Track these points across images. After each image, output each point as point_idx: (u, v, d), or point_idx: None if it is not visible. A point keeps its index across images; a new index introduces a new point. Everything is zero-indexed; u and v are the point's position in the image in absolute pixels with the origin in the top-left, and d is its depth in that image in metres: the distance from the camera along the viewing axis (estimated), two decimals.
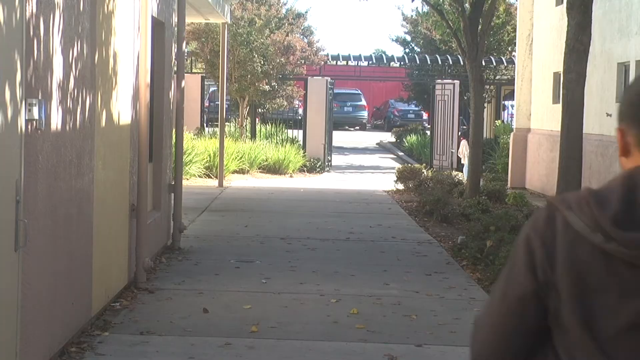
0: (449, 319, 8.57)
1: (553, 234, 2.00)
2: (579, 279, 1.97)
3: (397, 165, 25.08)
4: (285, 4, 32.95)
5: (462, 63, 27.18)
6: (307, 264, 11.17)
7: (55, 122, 6.48)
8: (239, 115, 29.51)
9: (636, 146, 1.99)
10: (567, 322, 2.00)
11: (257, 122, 30.32)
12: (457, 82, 28.45)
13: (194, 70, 31.57)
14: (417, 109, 46.62)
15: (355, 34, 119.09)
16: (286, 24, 30.50)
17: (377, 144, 42.19)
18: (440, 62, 32.34)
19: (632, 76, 15.86)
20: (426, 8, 30.25)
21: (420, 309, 8.92)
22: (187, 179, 20.62)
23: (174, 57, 12.09)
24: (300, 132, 28.57)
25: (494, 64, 31.61)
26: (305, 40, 33.08)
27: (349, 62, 35.38)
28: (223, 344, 7.38)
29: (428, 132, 32.20)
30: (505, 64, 31.75)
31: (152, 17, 10.03)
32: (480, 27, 18.87)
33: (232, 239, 12.92)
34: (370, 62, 35.92)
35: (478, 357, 2.15)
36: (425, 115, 44.74)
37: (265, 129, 29.31)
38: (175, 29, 12.18)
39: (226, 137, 23.48)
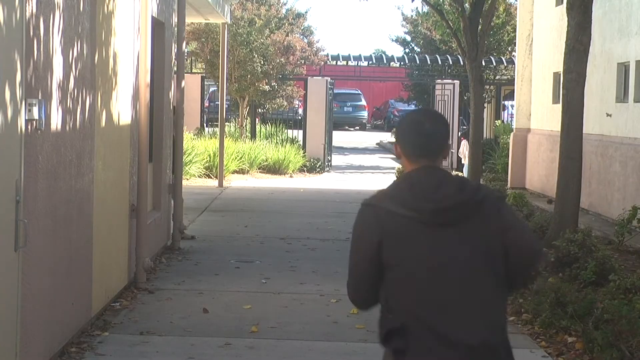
0: None
1: (377, 215, 3.48)
2: (395, 236, 3.44)
3: (397, 166, 25.09)
4: (285, 4, 32.95)
5: (462, 63, 27.17)
6: (307, 264, 11.17)
7: (55, 122, 6.48)
8: (239, 115, 29.51)
9: (402, 155, 3.60)
10: (391, 263, 3.44)
11: (257, 122, 30.31)
12: (457, 82, 28.44)
13: (194, 70, 31.57)
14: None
15: (355, 34, 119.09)
16: (286, 24, 30.49)
17: (377, 144, 42.19)
18: (440, 62, 32.34)
19: (632, 76, 15.86)
20: (426, 8, 30.26)
21: None
22: (187, 179, 20.61)
23: (174, 57, 12.09)
24: (300, 132, 28.55)
25: (494, 64, 31.60)
26: (305, 40, 33.07)
27: (349, 62, 35.38)
28: (223, 344, 7.38)
29: None
30: (505, 64, 31.75)
31: (152, 17, 10.03)
32: (480, 27, 18.87)
33: (232, 239, 12.92)
34: (370, 62, 35.91)
35: (352, 297, 3.64)
36: None
37: (265, 129, 29.30)
38: (175, 29, 12.18)
39: (226, 137, 23.48)
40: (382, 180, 24.35)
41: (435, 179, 3.50)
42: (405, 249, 3.45)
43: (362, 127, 50.69)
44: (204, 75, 29.86)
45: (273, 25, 29.08)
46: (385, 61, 35.58)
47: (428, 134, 3.55)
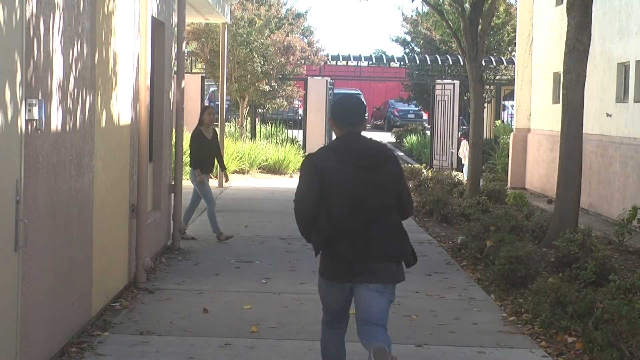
0: (449, 319, 8.57)
1: (318, 161, 5.40)
2: (331, 173, 5.35)
3: None
4: (285, 4, 32.98)
5: (462, 63, 27.18)
6: (307, 264, 11.16)
7: (55, 122, 6.47)
8: (239, 115, 29.52)
9: (334, 125, 5.57)
10: (329, 193, 5.35)
11: (257, 122, 30.32)
12: (457, 82, 28.44)
13: (194, 71, 31.58)
14: (417, 109, 46.62)
15: (355, 34, 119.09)
16: (286, 24, 30.52)
17: None
18: (440, 62, 32.33)
19: (632, 76, 15.86)
20: (426, 8, 30.25)
21: (420, 309, 8.92)
22: (187, 179, 20.61)
23: (174, 57, 12.09)
24: (300, 132, 28.55)
25: (494, 64, 31.60)
26: (305, 40, 33.09)
27: (349, 62, 35.39)
28: (223, 344, 7.38)
29: (428, 132, 32.20)
30: (505, 64, 31.75)
31: (152, 17, 10.03)
32: (480, 27, 18.87)
33: (232, 239, 12.92)
34: (370, 62, 35.92)
35: (297, 212, 5.47)
36: (425, 116, 44.75)
37: (265, 129, 29.31)
38: (175, 29, 12.18)
39: (226, 137, 23.48)
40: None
41: (358, 139, 5.57)
42: (337, 182, 5.42)
43: None
44: (204, 75, 29.87)
45: (273, 25, 29.09)
46: (385, 61, 35.58)
47: (350, 110, 5.64)
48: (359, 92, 50.80)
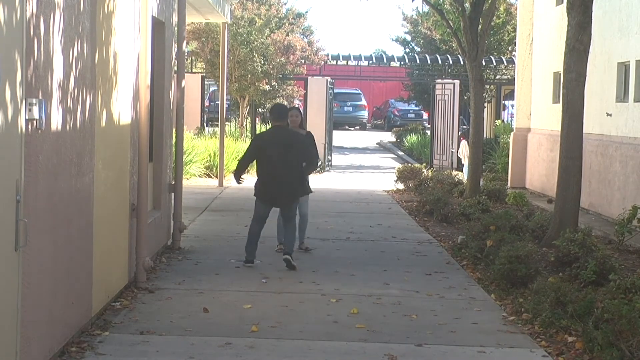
0: (449, 318, 8.57)
1: (258, 140, 11.61)
2: (263, 146, 11.10)
3: (397, 165, 25.08)
4: (285, 4, 32.96)
5: (462, 63, 27.18)
6: (307, 264, 11.17)
7: (56, 121, 6.48)
8: (239, 114, 29.51)
9: (270, 120, 11.67)
10: (260, 156, 11.16)
11: (257, 121, 30.31)
12: (457, 81, 28.44)
13: (194, 70, 31.56)
14: (417, 108, 46.60)
15: (355, 34, 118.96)
16: (286, 24, 30.51)
17: (377, 143, 42.18)
18: (440, 62, 32.32)
19: (632, 76, 15.86)
20: (426, 8, 30.25)
21: (420, 309, 8.92)
22: (188, 179, 20.62)
23: (174, 56, 12.09)
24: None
25: (494, 63, 31.59)
26: (306, 40, 33.08)
27: (349, 62, 35.37)
28: (223, 344, 7.38)
29: (428, 132, 32.21)
30: (506, 64, 31.74)
31: (152, 16, 10.03)
32: (480, 26, 18.87)
33: (232, 238, 12.92)
34: (370, 62, 35.90)
35: (238, 167, 11.45)
36: (425, 115, 44.73)
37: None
38: (176, 28, 12.18)
39: (226, 136, 23.47)
40: (383, 180, 24.36)
41: (282, 129, 11.09)
42: (265, 151, 10.91)
43: (363, 127, 50.66)
44: (204, 74, 29.86)
45: (273, 24, 29.08)
46: (385, 61, 35.56)
47: (279, 111, 11.28)
48: (359, 91, 50.85)
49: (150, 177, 10.46)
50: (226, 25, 21.24)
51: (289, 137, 10.95)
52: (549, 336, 8.01)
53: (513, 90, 25.28)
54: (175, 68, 12.26)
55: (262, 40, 27.72)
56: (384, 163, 32.05)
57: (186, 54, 18.31)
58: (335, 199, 18.73)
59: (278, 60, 28.11)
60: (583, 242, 10.93)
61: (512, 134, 23.52)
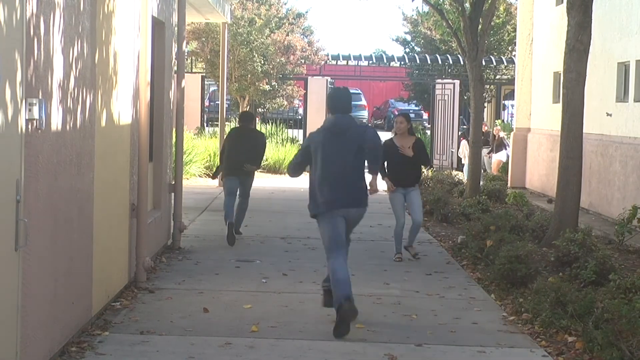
0: (449, 318, 8.57)
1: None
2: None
3: None
4: (285, 4, 32.97)
5: (462, 63, 27.18)
6: (307, 264, 11.17)
7: (56, 121, 6.47)
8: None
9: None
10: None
11: (257, 121, 30.29)
12: (457, 81, 28.44)
13: (194, 70, 31.57)
14: (417, 108, 46.57)
15: (355, 34, 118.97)
16: (286, 24, 30.50)
17: None
18: (440, 62, 32.33)
19: (632, 76, 15.86)
20: (426, 8, 30.25)
21: (421, 309, 8.92)
22: (187, 179, 20.62)
23: (174, 56, 12.09)
24: (301, 131, 28.54)
25: (494, 63, 31.59)
26: (306, 40, 33.08)
27: (349, 62, 35.39)
28: (223, 344, 7.38)
29: (428, 132, 32.20)
30: (506, 64, 31.74)
31: (152, 16, 10.03)
32: (480, 26, 18.87)
33: None
34: (370, 62, 35.92)
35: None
36: (425, 115, 44.72)
37: (266, 129, 29.29)
38: (176, 28, 12.18)
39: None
40: (382, 180, 24.29)
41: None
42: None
43: None
44: (204, 74, 29.86)
45: (273, 24, 29.08)
46: (385, 61, 35.57)
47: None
48: (359, 91, 50.82)
49: (150, 177, 10.46)
50: (226, 25, 21.23)
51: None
52: (549, 336, 8.01)
53: (513, 90, 25.28)
54: (175, 68, 12.26)
55: (262, 40, 27.72)
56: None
57: (186, 53, 18.32)
58: None
59: (278, 60, 28.11)
60: (583, 242, 10.93)
61: (512, 133, 23.53)
